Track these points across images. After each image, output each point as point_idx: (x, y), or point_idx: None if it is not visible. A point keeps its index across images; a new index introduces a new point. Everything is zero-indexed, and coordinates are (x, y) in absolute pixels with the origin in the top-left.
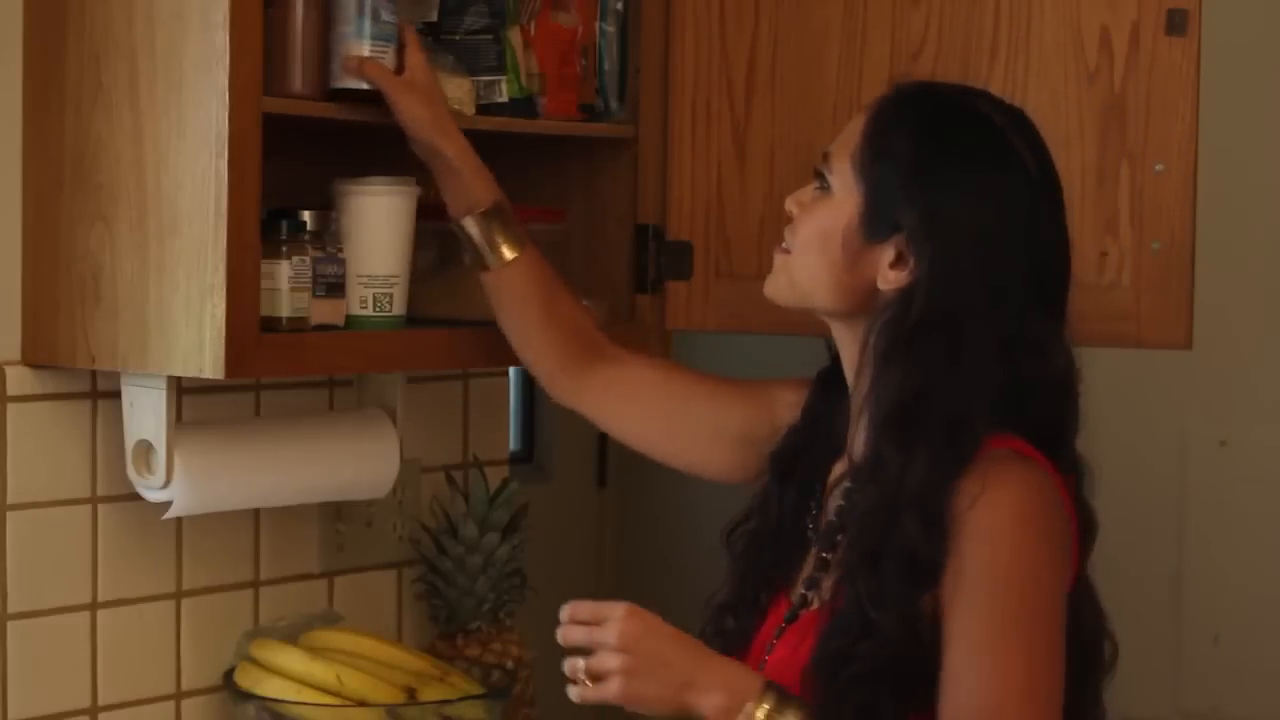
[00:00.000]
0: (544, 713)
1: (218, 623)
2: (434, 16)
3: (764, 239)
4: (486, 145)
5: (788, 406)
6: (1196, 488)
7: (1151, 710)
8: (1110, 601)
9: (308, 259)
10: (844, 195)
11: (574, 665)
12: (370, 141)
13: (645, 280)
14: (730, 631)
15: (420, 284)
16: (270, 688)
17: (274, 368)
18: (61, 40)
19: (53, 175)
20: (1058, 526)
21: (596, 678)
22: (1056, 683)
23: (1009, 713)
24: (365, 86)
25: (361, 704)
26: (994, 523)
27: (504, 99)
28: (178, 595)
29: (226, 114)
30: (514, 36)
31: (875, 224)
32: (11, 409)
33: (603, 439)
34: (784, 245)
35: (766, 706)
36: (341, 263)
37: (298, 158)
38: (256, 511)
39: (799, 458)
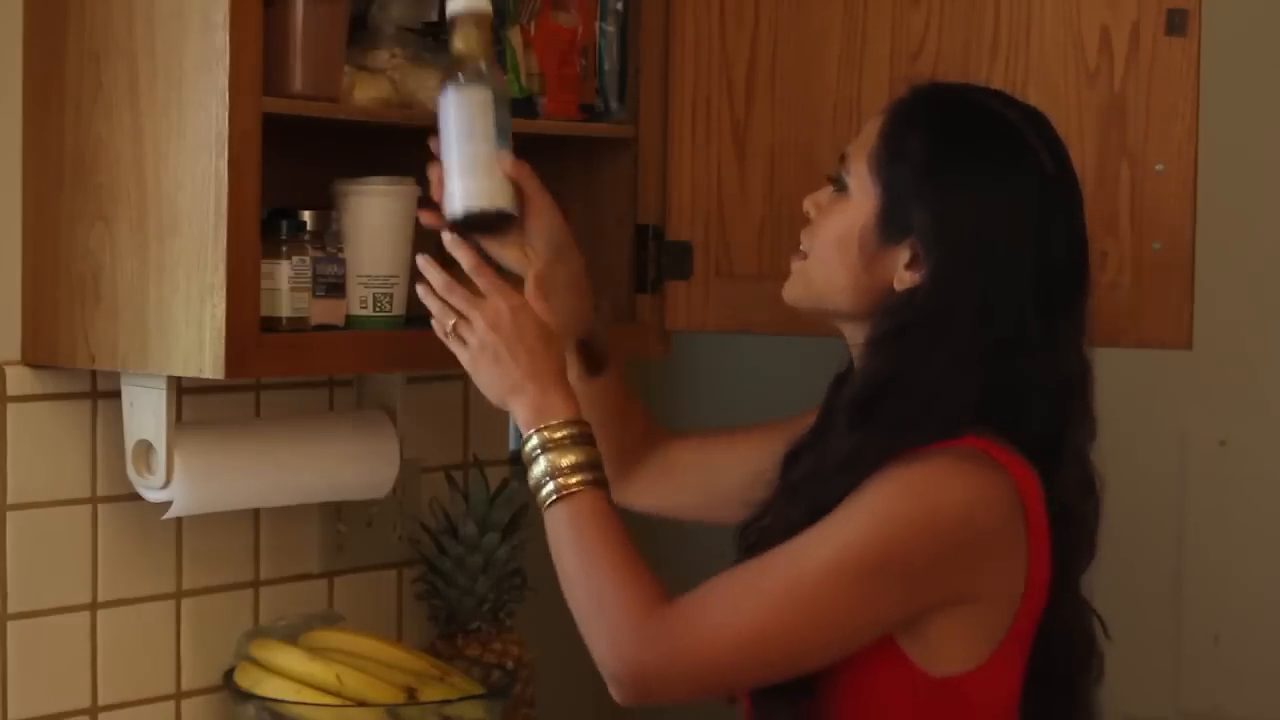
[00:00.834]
0: (544, 713)
1: (218, 623)
2: (434, 16)
3: (764, 239)
4: None
5: None
6: (1196, 488)
7: (1151, 710)
8: (1110, 601)
9: (308, 259)
10: (861, 196)
11: (442, 324)
12: (370, 141)
13: (645, 280)
14: None
15: (420, 284)
16: (270, 688)
17: (274, 368)
18: (61, 40)
19: (53, 175)
20: (955, 525)
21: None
22: (777, 647)
23: (706, 632)
24: (505, 209)
25: (361, 704)
26: (871, 487)
27: None
28: (178, 595)
29: (226, 114)
30: (514, 36)
31: (891, 225)
32: (11, 409)
33: None
34: (801, 249)
35: (560, 435)
36: (341, 263)
37: (298, 158)
38: (256, 511)
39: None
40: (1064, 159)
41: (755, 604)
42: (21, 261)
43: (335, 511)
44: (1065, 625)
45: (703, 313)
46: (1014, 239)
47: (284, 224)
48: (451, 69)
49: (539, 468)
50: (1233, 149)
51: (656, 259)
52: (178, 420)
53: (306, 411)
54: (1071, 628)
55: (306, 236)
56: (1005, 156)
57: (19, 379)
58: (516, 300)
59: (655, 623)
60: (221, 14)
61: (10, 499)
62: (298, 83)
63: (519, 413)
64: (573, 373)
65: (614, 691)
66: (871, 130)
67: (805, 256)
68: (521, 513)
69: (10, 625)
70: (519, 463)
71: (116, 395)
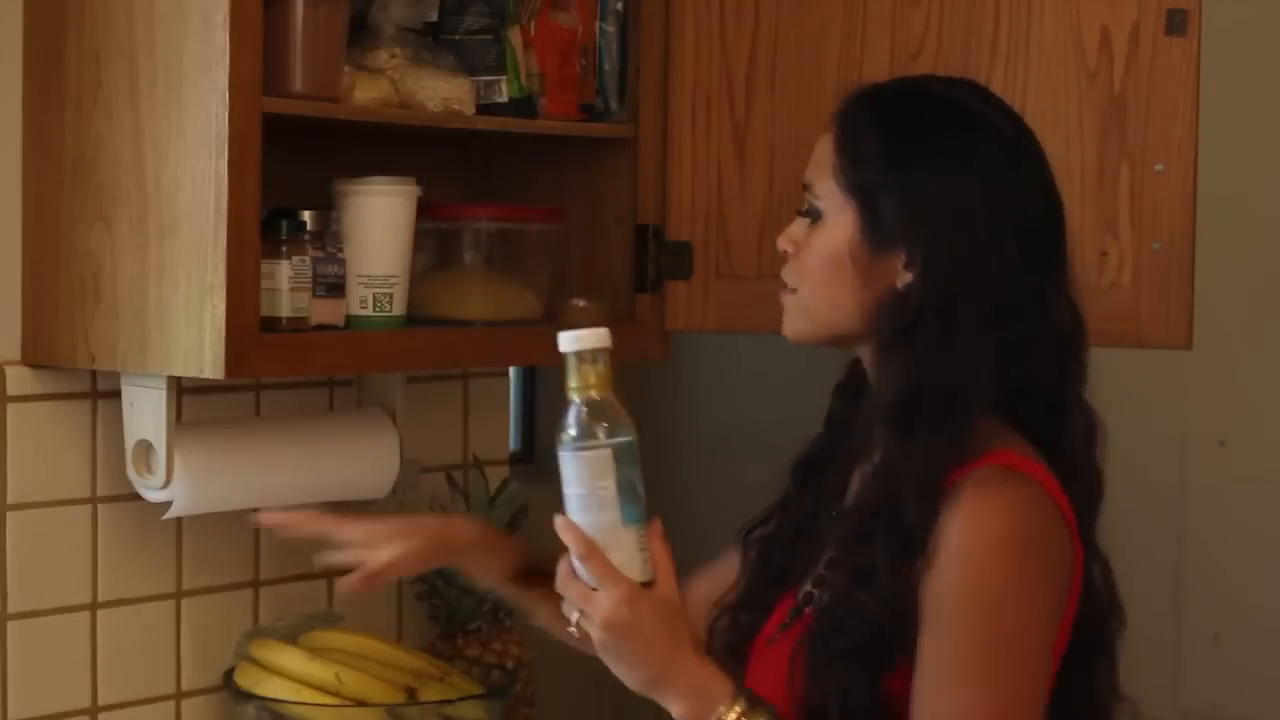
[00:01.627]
0: (544, 713)
1: (218, 623)
2: (434, 16)
3: (764, 239)
4: (487, 145)
5: None
6: (1196, 488)
7: (1151, 710)
8: None
9: (308, 259)
10: (837, 214)
11: (569, 613)
12: (370, 141)
13: (645, 280)
14: (738, 628)
15: (420, 284)
16: (270, 688)
17: (274, 368)
18: (61, 40)
19: (53, 175)
20: (1049, 547)
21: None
22: (1030, 711)
23: None
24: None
25: (361, 704)
26: (972, 547)
27: (504, 99)
28: (178, 595)
29: (226, 114)
30: (514, 36)
31: (875, 231)
32: (11, 409)
33: None
34: (788, 286)
35: (738, 710)
36: (341, 263)
37: (298, 158)
38: (257, 511)
39: (820, 465)
40: (1016, 119)
41: (976, 706)
42: (21, 261)
43: (335, 511)
44: (1090, 571)
45: (703, 313)
46: (990, 207)
47: (284, 224)
48: (563, 419)
49: None
50: (1233, 149)
51: (656, 259)
52: (178, 420)
53: (306, 411)
54: (1095, 573)
55: (306, 236)
56: (960, 130)
57: (19, 379)
58: (624, 590)
59: None
60: (221, 14)
61: (10, 499)
62: (298, 83)
63: (673, 707)
64: (547, 611)
65: None
66: (825, 148)
67: (794, 291)
68: (521, 513)
69: (10, 625)
70: None
71: (116, 395)
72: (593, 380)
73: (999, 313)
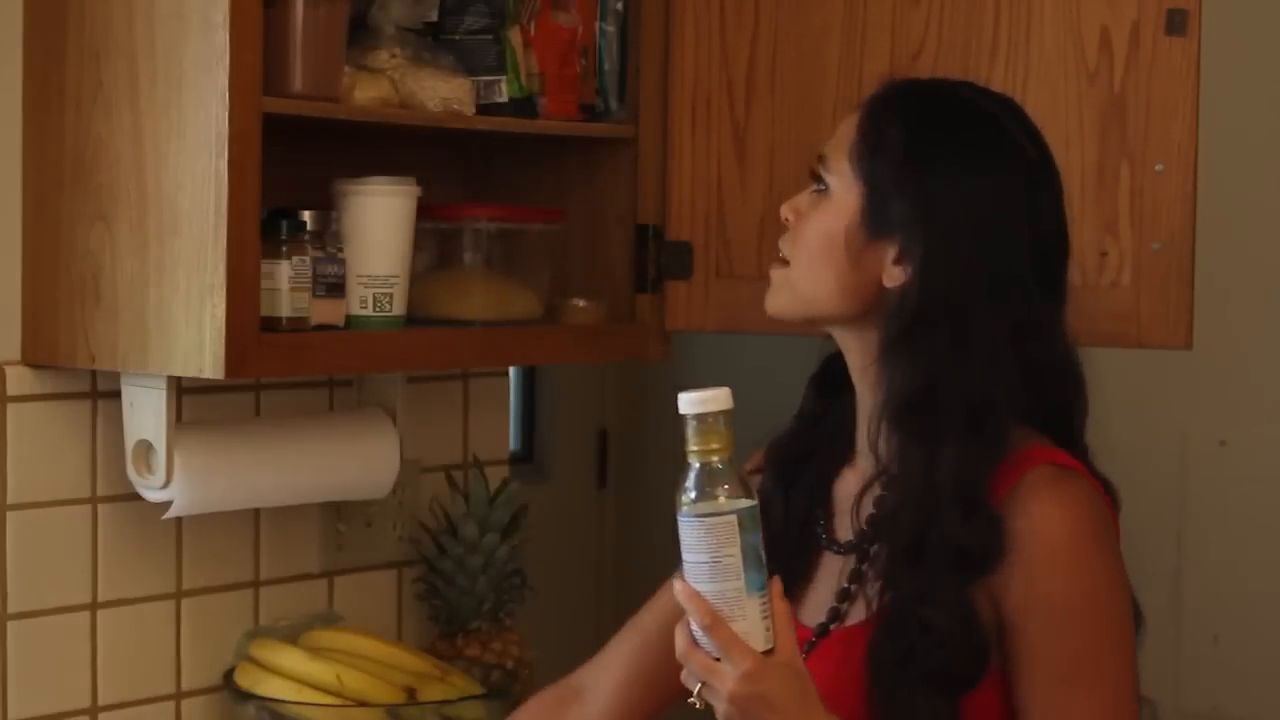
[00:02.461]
0: None
1: (218, 623)
2: (434, 16)
3: (764, 239)
4: (487, 145)
5: None
6: (1196, 488)
7: (1151, 710)
8: None
9: (308, 259)
10: (843, 194)
11: (691, 684)
12: (370, 141)
13: (645, 280)
14: None
15: (420, 284)
16: (270, 688)
17: (274, 368)
18: (61, 40)
19: (53, 175)
20: (1113, 537)
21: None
22: (1136, 702)
23: None
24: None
25: (361, 704)
26: (1058, 548)
27: (504, 99)
28: (178, 595)
29: (226, 114)
30: (514, 36)
31: (876, 219)
32: (11, 409)
33: (603, 439)
34: (781, 256)
35: None
36: (341, 263)
37: (298, 158)
38: (256, 511)
39: (801, 465)
40: (1040, 139)
41: (1100, 706)
42: (21, 261)
43: (335, 511)
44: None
45: (703, 313)
46: (1008, 219)
47: (284, 224)
48: (684, 483)
49: None
50: (1233, 149)
51: (656, 259)
52: (178, 420)
53: (306, 411)
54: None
55: (306, 236)
56: (986, 141)
57: (19, 379)
58: (751, 664)
59: None
60: (221, 14)
61: (10, 499)
62: (298, 83)
63: None
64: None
65: None
66: (849, 126)
67: (787, 264)
68: (521, 513)
69: (10, 625)
70: None
71: (116, 395)
72: (715, 444)
73: (1019, 329)
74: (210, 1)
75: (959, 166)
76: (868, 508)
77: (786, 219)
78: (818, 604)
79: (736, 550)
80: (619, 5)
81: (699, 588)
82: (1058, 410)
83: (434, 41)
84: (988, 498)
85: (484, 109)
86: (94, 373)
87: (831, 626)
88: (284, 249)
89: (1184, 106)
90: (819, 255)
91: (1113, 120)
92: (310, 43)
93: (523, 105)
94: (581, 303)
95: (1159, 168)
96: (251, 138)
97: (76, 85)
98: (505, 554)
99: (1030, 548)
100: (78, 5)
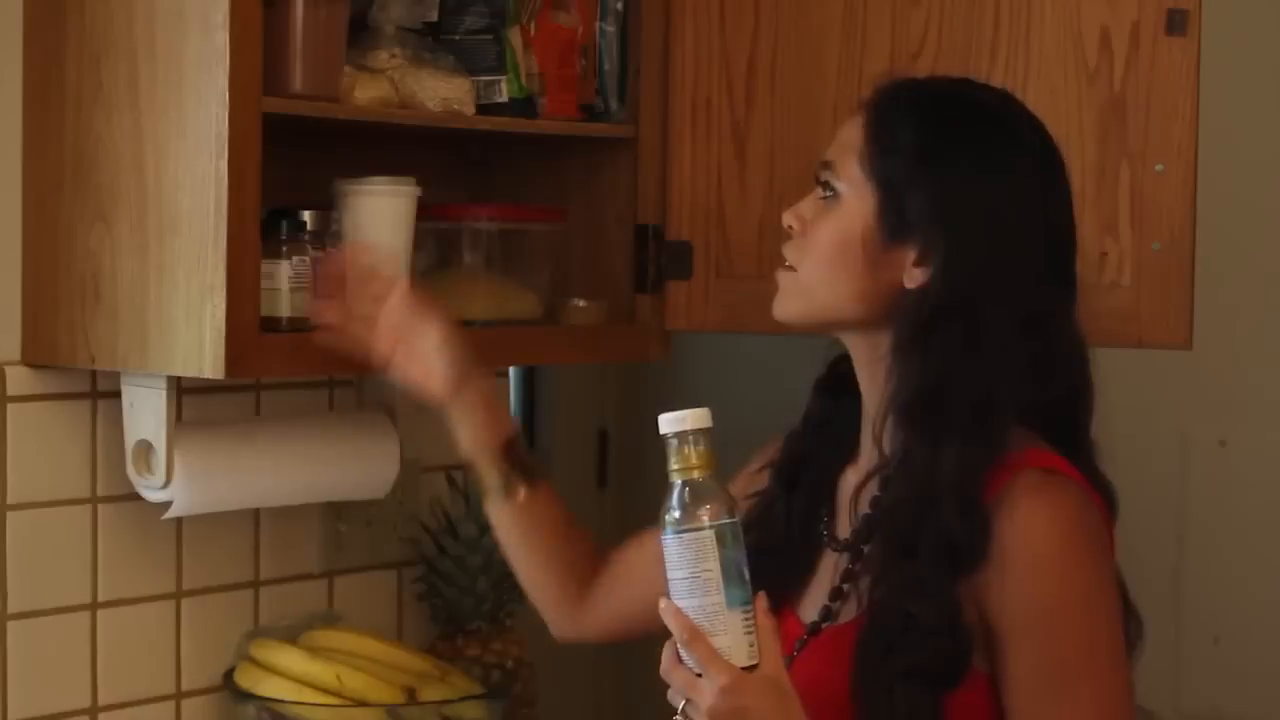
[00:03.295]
0: (544, 713)
1: (218, 623)
2: (434, 16)
3: (764, 239)
4: (487, 145)
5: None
6: (1196, 488)
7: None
8: None
9: (308, 259)
10: (855, 199)
11: (675, 701)
12: (370, 141)
13: (645, 280)
14: None
15: (420, 284)
16: (270, 688)
17: (274, 368)
18: (61, 40)
19: (53, 175)
20: (1102, 543)
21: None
22: (1128, 707)
23: None
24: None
25: (361, 704)
26: (1043, 553)
27: (504, 99)
28: (178, 595)
29: (226, 114)
30: (514, 36)
31: (894, 222)
32: (11, 409)
33: (603, 439)
34: (787, 263)
35: None
36: None
37: (298, 158)
38: (256, 511)
39: (805, 466)
40: (1046, 134)
41: (1081, 711)
42: (21, 261)
43: (335, 511)
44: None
45: (703, 313)
46: (1022, 213)
47: (284, 224)
48: (666, 502)
49: None
50: (1233, 149)
51: (656, 259)
52: (178, 420)
53: (306, 411)
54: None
55: (306, 236)
56: (997, 135)
57: (19, 379)
58: (729, 678)
59: None
60: (221, 14)
61: (10, 499)
62: (298, 83)
63: None
64: (496, 499)
65: None
66: (853, 130)
67: (794, 270)
68: None
69: (10, 625)
70: None
71: (116, 395)
72: (695, 461)
73: (1031, 323)
74: (210, 1)
75: (973, 164)
76: (864, 505)
77: (790, 227)
78: (817, 602)
79: (715, 565)
80: (619, 5)
81: (680, 603)
82: (1064, 406)
83: (434, 41)
84: (983, 496)
85: (484, 109)
86: (94, 373)
87: (823, 625)
88: (284, 249)
89: (1184, 106)
90: (834, 261)
91: (1113, 120)
92: (310, 43)
93: (523, 105)
94: (582, 303)
95: (1159, 168)
96: (251, 138)
97: (76, 85)
98: None
99: (1011, 551)
100: (78, 5)
